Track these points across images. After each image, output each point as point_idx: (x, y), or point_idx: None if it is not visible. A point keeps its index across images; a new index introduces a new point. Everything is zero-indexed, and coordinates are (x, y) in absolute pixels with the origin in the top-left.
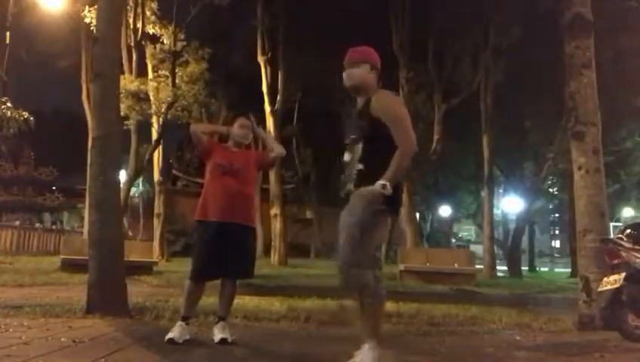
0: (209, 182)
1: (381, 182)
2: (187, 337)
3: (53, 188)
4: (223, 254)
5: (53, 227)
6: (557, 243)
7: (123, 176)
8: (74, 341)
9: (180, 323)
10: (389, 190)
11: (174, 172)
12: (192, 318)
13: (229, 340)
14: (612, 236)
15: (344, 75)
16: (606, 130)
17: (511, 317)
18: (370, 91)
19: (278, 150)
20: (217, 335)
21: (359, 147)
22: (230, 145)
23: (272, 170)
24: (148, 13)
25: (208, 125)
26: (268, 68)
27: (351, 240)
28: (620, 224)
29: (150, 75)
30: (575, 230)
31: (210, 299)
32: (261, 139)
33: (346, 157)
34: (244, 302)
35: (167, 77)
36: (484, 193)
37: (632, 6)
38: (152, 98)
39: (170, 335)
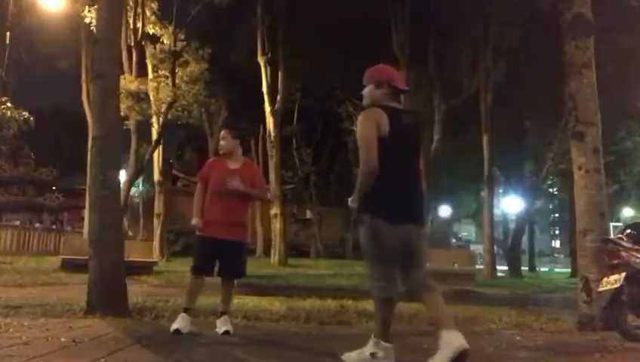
0: (208, 202)
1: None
2: (190, 327)
3: (53, 188)
4: (218, 258)
5: (53, 227)
6: (557, 243)
7: (123, 176)
8: (74, 341)
9: (182, 314)
10: (352, 205)
11: (174, 172)
12: (193, 310)
13: (231, 332)
14: (612, 236)
15: None
16: (606, 130)
17: (511, 317)
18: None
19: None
20: (221, 327)
21: None
22: (225, 158)
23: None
24: (148, 13)
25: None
26: (268, 68)
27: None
28: (620, 224)
29: (150, 75)
30: (575, 230)
31: (209, 300)
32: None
33: None
34: (244, 302)
35: (167, 77)
36: (484, 193)
37: (632, 6)
38: (152, 98)
39: (175, 325)
